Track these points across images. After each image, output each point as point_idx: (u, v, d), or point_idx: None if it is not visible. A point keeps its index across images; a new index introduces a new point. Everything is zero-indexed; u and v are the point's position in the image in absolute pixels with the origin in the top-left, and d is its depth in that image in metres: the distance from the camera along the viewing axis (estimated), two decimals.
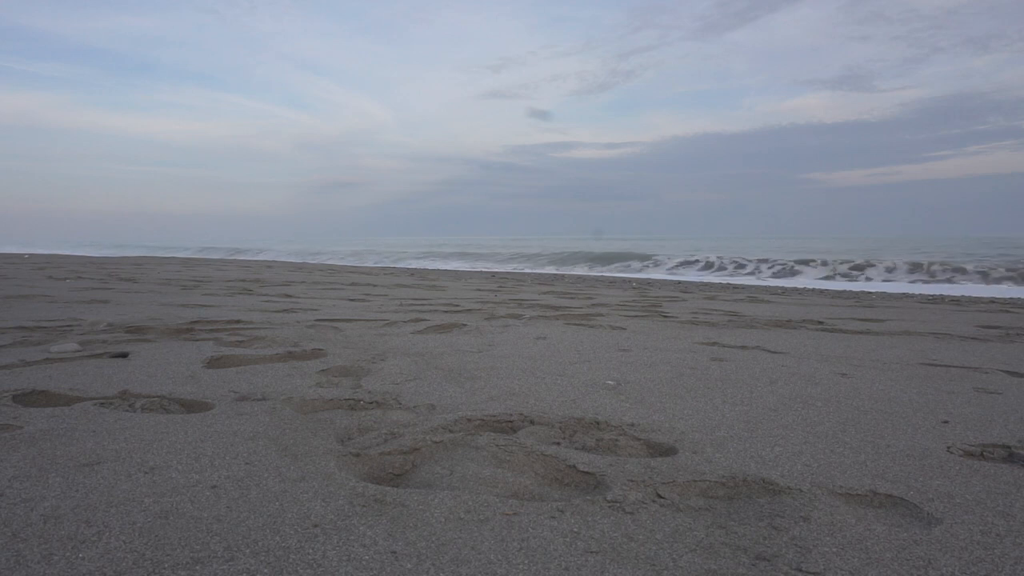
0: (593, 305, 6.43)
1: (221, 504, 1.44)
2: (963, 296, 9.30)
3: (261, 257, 29.55)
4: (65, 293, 6.50)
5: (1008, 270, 14.56)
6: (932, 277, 14.69)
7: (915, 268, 15.74)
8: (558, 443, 1.93)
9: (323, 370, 2.88)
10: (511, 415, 2.19)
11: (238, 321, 4.47)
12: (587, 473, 1.68)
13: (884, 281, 14.21)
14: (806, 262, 17.91)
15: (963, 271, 14.91)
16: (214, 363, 3.00)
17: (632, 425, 2.11)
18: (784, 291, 9.81)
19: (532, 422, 2.13)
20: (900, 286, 12.09)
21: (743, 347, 3.77)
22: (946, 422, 2.21)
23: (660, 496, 1.54)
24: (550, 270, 19.11)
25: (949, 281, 13.77)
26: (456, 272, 15.63)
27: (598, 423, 2.13)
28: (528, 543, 1.30)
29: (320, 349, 3.37)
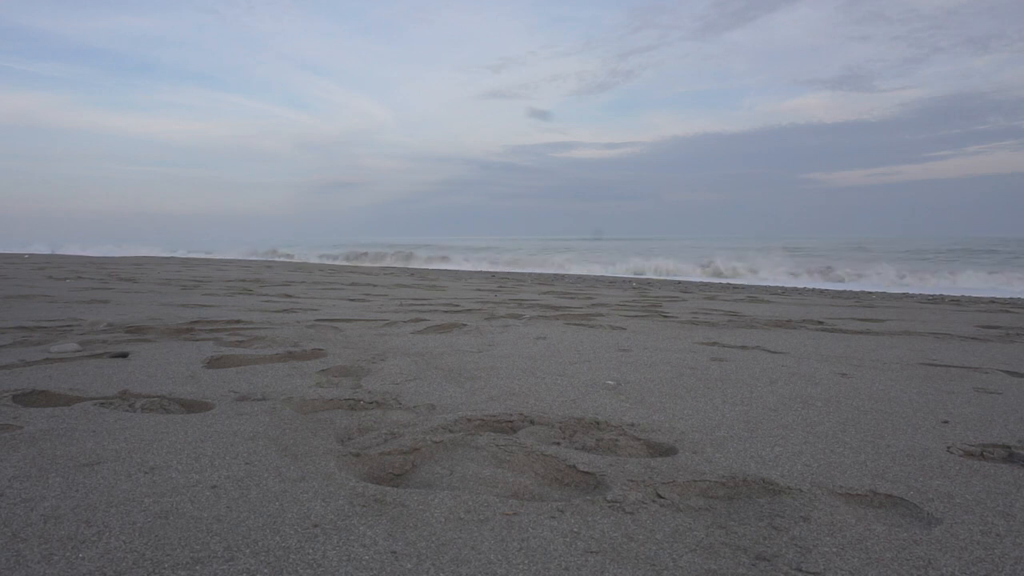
0: (593, 305, 6.43)
1: (221, 504, 1.44)
2: (963, 296, 9.31)
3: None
4: (65, 293, 6.50)
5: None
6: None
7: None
8: (558, 443, 1.93)
9: (323, 370, 2.88)
10: (511, 415, 2.19)
11: (238, 321, 4.47)
12: (587, 473, 1.68)
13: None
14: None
15: None
16: (214, 363, 3.00)
17: (632, 425, 2.11)
18: (784, 291, 9.81)
19: (532, 422, 2.13)
20: (900, 286, 12.08)
21: (743, 347, 3.77)
22: (946, 422, 2.21)
23: (660, 496, 1.54)
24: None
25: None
26: (456, 272, 15.63)
27: (598, 423, 2.13)
28: (528, 543, 1.30)
29: (320, 349, 3.37)
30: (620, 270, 16.94)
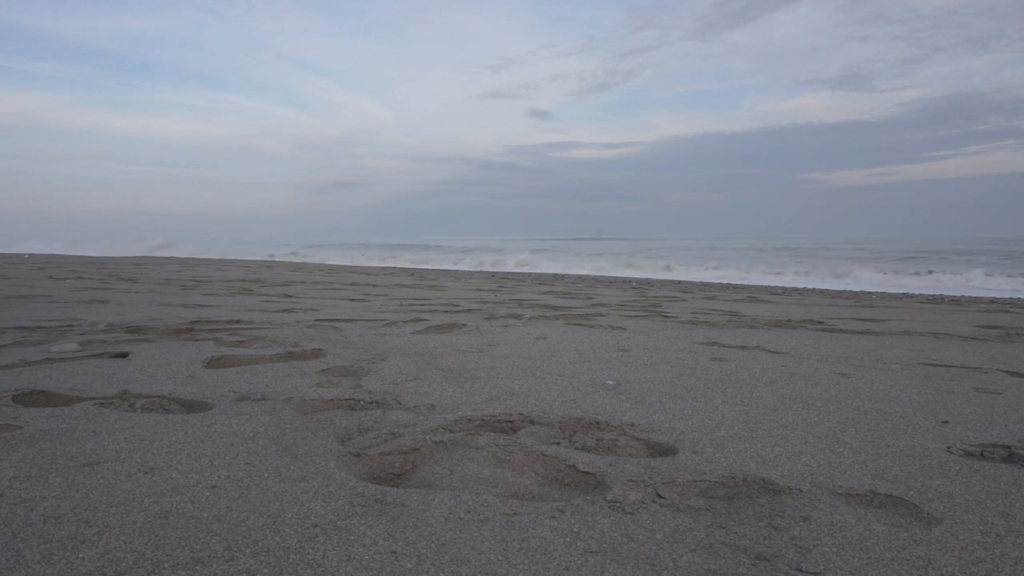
0: (593, 305, 6.43)
1: (221, 504, 1.44)
2: (963, 296, 9.31)
3: None
4: (65, 293, 6.49)
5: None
6: None
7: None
8: (558, 443, 1.93)
9: (323, 370, 2.88)
10: (511, 415, 2.19)
11: (238, 321, 4.47)
12: (587, 473, 1.68)
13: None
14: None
15: None
16: (214, 363, 3.00)
17: (632, 425, 2.11)
18: (784, 291, 9.81)
19: (532, 422, 2.13)
20: (900, 286, 12.09)
21: (743, 347, 3.77)
22: (946, 422, 2.21)
23: (660, 496, 1.55)
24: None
25: None
26: (456, 272, 15.63)
27: (598, 423, 2.13)
28: (528, 543, 1.30)
29: (320, 349, 3.37)
30: (588, 268, 17.42)
